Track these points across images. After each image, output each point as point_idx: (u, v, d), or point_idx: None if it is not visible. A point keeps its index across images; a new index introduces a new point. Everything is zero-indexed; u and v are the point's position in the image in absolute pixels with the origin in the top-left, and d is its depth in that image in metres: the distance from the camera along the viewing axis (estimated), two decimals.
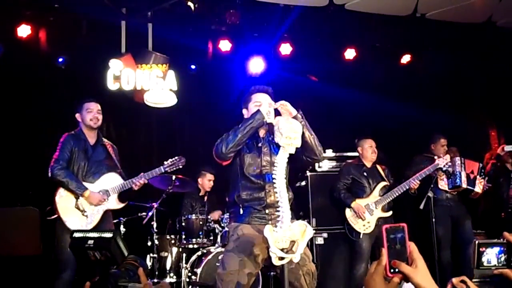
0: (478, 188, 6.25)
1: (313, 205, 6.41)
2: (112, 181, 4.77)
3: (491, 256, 2.00)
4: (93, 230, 4.35)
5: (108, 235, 1.99)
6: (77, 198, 4.61)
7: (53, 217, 4.63)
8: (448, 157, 5.90)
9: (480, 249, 2.00)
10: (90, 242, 2.00)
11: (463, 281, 1.86)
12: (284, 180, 3.10)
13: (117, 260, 1.92)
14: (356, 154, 6.36)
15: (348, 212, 5.81)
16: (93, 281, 1.81)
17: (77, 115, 4.88)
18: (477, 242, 2.04)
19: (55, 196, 4.62)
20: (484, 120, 8.25)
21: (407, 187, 5.80)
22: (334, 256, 6.30)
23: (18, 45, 6.69)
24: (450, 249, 6.31)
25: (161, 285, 1.59)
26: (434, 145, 6.48)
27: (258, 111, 3.52)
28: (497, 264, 1.98)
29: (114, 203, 4.77)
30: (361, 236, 5.75)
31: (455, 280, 1.88)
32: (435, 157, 5.91)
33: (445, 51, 7.76)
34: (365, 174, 5.95)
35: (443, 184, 6.28)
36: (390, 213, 5.87)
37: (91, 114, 4.81)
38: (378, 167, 6.10)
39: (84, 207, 4.61)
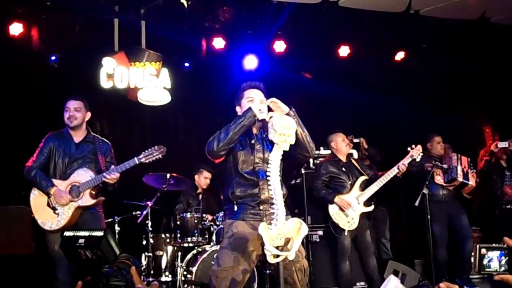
0: (472, 181, 6.30)
1: (308, 203, 6.40)
2: (83, 176, 4.65)
3: (493, 258, 2.00)
4: (65, 228, 4.32)
5: (99, 233, 1.98)
6: (48, 196, 4.60)
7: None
8: (420, 147, 5.88)
9: (481, 252, 2.00)
10: (81, 241, 1.98)
11: None
12: (279, 177, 3.09)
13: (109, 259, 1.90)
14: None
15: (332, 209, 5.77)
16: (85, 280, 1.79)
17: (64, 114, 4.84)
18: (478, 246, 2.04)
19: (29, 195, 4.67)
20: (479, 117, 8.27)
21: (388, 179, 5.77)
22: (329, 253, 6.29)
23: (10, 44, 6.64)
24: (446, 246, 6.33)
25: (152, 286, 1.57)
26: (430, 144, 6.49)
27: (250, 108, 3.50)
28: (498, 268, 1.98)
29: (86, 199, 4.62)
30: (346, 233, 5.74)
31: (442, 285, 1.87)
32: (409, 149, 5.88)
33: (439, 48, 7.76)
34: (343, 169, 5.92)
35: (439, 178, 6.30)
36: (371, 207, 5.85)
37: (68, 112, 4.76)
38: (353, 161, 6.09)
39: (54, 205, 4.58)
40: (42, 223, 4.56)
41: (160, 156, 4.68)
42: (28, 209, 4.28)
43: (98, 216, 4.79)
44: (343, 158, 6.00)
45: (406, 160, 5.80)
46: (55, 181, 4.67)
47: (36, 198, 4.65)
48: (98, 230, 1.95)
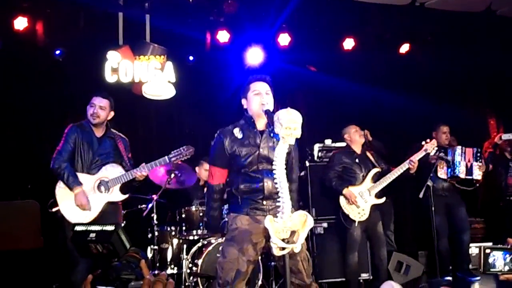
0: (477, 175, 6.25)
1: (312, 195, 6.42)
2: (112, 172, 4.71)
3: (497, 258, 2.02)
4: (94, 222, 4.38)
5: (110, 228, 2.00)
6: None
7: (54, 209, 4.60)
8: (434, 141, 5.88)
9: (486, 252, 2.02)
10: (92, 235, 2.00)
11: None
12: (284, 171, 3.10)
13: (119, 252, 1.92)
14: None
15: (342, 200, 5.80)
16: (95, 274, 1.81)
17: (87, 107, 4.84)
18: (482, 246, 2.06)
19: (55, 188, 4.63)
20: (483, 109, 8.26)
21: (400, 173, 5.78)
22: (333, 245, 6.31)
23: (15, 38, 6.66)
24: (447, 237, 6.35)
25: (159, 277, 1.58)
26: (435, 133, 6.49)
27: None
28: (503, 267, 1.99)
29: (116, 195, 4.70)
30: (356, 224, 5.75)
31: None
32: (423, 143, 5.88)
33: (444, 41, 7.74)
34: (357, 161, 5.93)
35: (442, 172, 6.30)
36: (383, 199, 5.87)
37: (92, 109, 4.77)
38: (368, 153, 6.10)
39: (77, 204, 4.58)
40: (69, 217, 4.55)
41: (188, 156, 4.78)
42: (37, 203, 4.28)
43: (117, 208, 4.85)
44: (358, 150, 6.01)
45: (419, 154, 5.78)
46: (82, 176, 4.65)
47: (63, 191, 4.62)
48: (110, 224, 1.97)
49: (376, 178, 5.87)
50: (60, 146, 4.67)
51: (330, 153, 6.59)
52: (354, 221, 5.74)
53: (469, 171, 6.23)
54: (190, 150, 4.77)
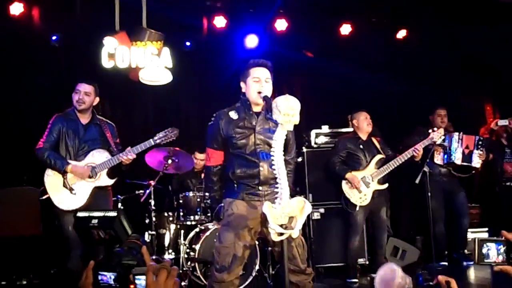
0: (476, 163, 6.28)
1: (309, 181, 6.45)
2: (99, 157, 4.74)
3: (491, 248, 2.05)
4: (84, 208, 4.45)
5: (112, 214, 2.02)
6: (64, 177, 4.64)
7: (44, 197, 4.65)
8: (442, 130, 5.91)
9: (480, 243, 2.05)
10: (94, 221, 2.02)
11: (447, 282, 1.91)
12: (282, 157, 3.11)
13: (121, 238, 1.94)
14: (350, 130, 6.39)
15: (345, 185, 5.84)
16: (97, 260, 1.83)
17: (72, 94, 4.86)
18: (477, 239, 2.10)
19: (43, 177, 4.69)
20: (480, 95, 8.27)
21: (404, 160, 5.80)
22: (330, 231, 6.37)
23: (11, 23, 6.63)
24: (443, 222, 6.40)
25: (163, 264, 1.60)
26: (432, 116, 6.52)
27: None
28: (496, 257, 2.02)
29: (103, 180, 4.74)
30: (357, 209, 5.80)
31: (441, 277, 1.93)
32: (430, 131, 5.91)
33: (441, 26, 7.73)
34: (361, 147, 5.97)
35: (438, 158, 6.33)
36: (386, 185, 5.91)
37: (77, 95, 4.79)
38: (374, 139, 6.12)
39: (71, 185, 4.64)
40: (59, 203, 4.61)
41: (174, 137, 4.80)
42: (36, 190, 4.32)
43: (107, 195, 4.89)
44: (364, 137, 6.04)
45: (425, 142, 5.79)
46: (74, 162, 4.70)
47: (51, 179, 4.69)
48: (112, 211, 1.99)
49: (380, 164, 5.91)
50: (44, 137, 4.73)
51: (326, 139, 6.63)
52: (356, 205, 5.79)
53: (467, 158, 6.26)
54: (174, 131, 4.81)
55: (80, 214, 2.08)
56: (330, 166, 5.97)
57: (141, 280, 1.65)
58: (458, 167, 6.38)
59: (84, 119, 4.87)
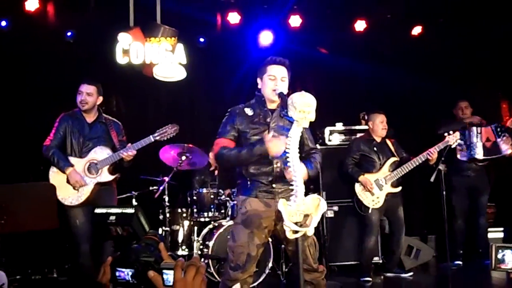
0: (506, 150, 6.18)
1: (323, 179, 6.41)
2: (101, 154, 4.86)
3: (506, 254, 2.04)
4: (85, 203, 4.70)
5: (130, 210, 2.01)
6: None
7: None
8: (457, 134, 5.82)
9: (498, 251, 2.04)
10: (112, 217, 2.02)
11: None
12: (298, 154, 3.09)
13: (139, 235, 1.94)
14: (364, 127, 6.35)
15: (358, 187, 5.83)
16: (114, 256, 1.83)
17: (76, 95, 5.00)
18: (494, 245, 2.09)
19: (49, 173, 4.85)
20: (496, 92, 8.17)
21: (418, 163, 5.75)
22: (344, 229, 6.35)
23: (26, 19, 6.67)
24: (464, 219, 6.33)
25: (192, 261, 1.59)
26: (455, 110, 6.47)
27: (262, 142, 3.43)
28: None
29: (104, 176, 4.85)
30: (370, 211, 5.77)
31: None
32: (445, 134, 5.84)
33: (456, 23, 7.65)
34: (375, 149, 5.94)
35: (462, 155, 6.27)
36: (399, 188, 5.89)
37: (80, 96, 4.93)
38: (388, 141, 6.08)
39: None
40: (62, 199, 4.75)
41: (173, 134, 4.91)
42: (53, 185, 4.43)
43: (112, 191, 5.00)
44: (378, 139, 6.01)
45: (441, 145, 5.73)
46: (72, 159, 4.85)
47: (55, 175, 4.84)
48: (130, 207, 1.99)
49: (395, 167, 5.87)
50: (51, 135, 4.90)
51: (341, 136, 6.59)
52: (368, 208, 5.77)
53: (494, 150, 6.17)
54: (174, 128, 4.91)
55: (98, 210, 2.08)
56: (343, 168, 5.96)
57: (168, 275, 1.64)
58: (483, 160, 6.30)
59: (90, 117, 5.01)
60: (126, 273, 1.78)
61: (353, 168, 5.87)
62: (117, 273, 1.80)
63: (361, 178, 5.77)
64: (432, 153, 5.69)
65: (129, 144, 4.82)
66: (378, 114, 6.03)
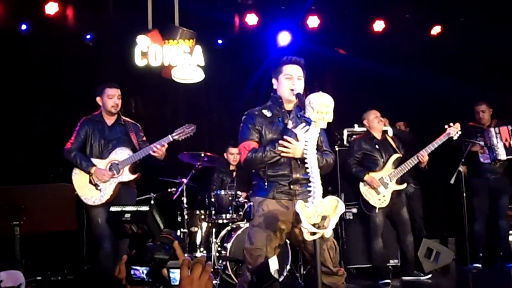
0: None
1: (341, 180, 6.37)
2: (122, 155, 4.97)
3: None
4: (108, 203, 4.77)
5: (145, 208, 2.02)
6: (90, 174, 4.91)
7: (74, 193, 4.86)
8: (458, 125, 5.74)
9: None
10: (127, 215, 2.03)
11: None
12: (316, 156, 3.08)
13: (154, 233, 1.94)
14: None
15: (362, 187, 5.76)
16: (130, 254, 1.84)
17: (98, 99, 5.11)
18: None
19: (71, 175, 4.97)
20: None
21: (419, 160, 5.70)
22: (362, 231, 6.28)
23: (46, 23, 6.76)
24: (485, 221, 6.24)
25: (198, 259, 1.59)
26: (475, 113, 6.39)
27: (293, 133, 3.44)
28: None
29: (126, 175, 4.97)
30: (376, 211, 5.71)
31: None
32: (446, 126, 5.76)
33: (477, 21, 7.55)
34: (377, 146, 5.88)
35: (484, 157, 6.19)
36: (404, 185, 5.82)
37: (112, 100, 5.04)
38: (389, 138, 6.02)
39: (96, 182, 4.90)
40: (85, 199, 4.89)
41: (191, 133, 4.98)
42: (72, 186, 4.49)
43: (133, 192, 5.12)
44: (378, 136, 5.95)
45: (442, 138, 5.69)
46: (94, 161, 4.96)
47: (78, 176, 4.96)
48: (144, 205, 2.00)
49: (397, 163, 5.81)
50: (73, 138, 5.03)
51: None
52: (375, 207, 5.70)
53: (509, 150, 6.09)
54: (192, 127, 4.98)
55: (113, 208, 2.08)
56: (346, 168, 5.91)
57: (175, 274, 1.64)
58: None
59: (110, 120, 5.12)
60: (141, 271, 1.79)
61: (357, 168, 5.82)
62: (132, 272, 1.80)
63: (366, 177, 5.70)
64: (422, 155, 5.62)
65: (150, 145, 4.91)
66: (370, 111, 6.05)
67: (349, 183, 6.26)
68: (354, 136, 6.29)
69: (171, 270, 1.65)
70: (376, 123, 5.95)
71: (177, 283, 1.61)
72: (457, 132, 5.71)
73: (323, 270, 3.53)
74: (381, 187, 5.70)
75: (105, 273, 1.67)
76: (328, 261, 3.55)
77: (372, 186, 5.67)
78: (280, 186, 3.57)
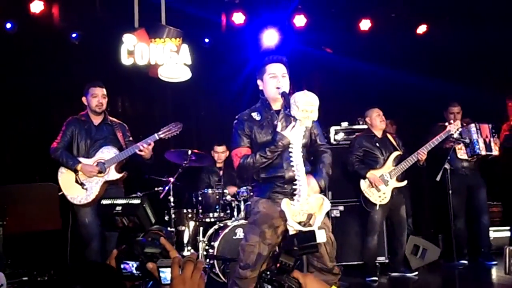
0: (495, 150, 6.21)
1: (329, 178, 6.38)
2: (108, 154, 4.97)
3: None
4: (94, 202, 4.80)
5: (136, 201, 2.03)
6: (76, 173, 4.89)
7: (59, 193, 4.86)
8: (458, 122, 5.82)
9: (510, 254, 2.02)
10: (118, 208, 2.03)
11: None
12: (301, 154, 3.09)
13: (145, 226, 1.95)
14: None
15: (364, 184, 5.79)
16: (119, 249, 1.83)
17: (83, 99, 5.13)
18: (508, 248, 2.07)
19: (57, 174, 4.95)
20: (502, 91, 8.12)
21: (419, 157, 5.75)
22: (350, 228, 6.33)
23: (31, 21, 6.70)
24: (464, 219, 6.31)
25: (189, 256, 1.58)
26: (445, 112, 6.44)
27: (283, 136, 3.42)
28: None
29: (112, 174, 4.96)
30: (377, 208, 5.75)
31: None
32: (446, 124, 5.83)
33: (462, 21, 7.61)
34: (377, 144, 5.91)
35: (462, 153, 6.24)
36: (405, 182, 5.85)
37: (96, 99, 5.04)
38: (389, 136, 6.06)
39: (82, 181, 4.88)
40: (72, 198, 4.86)
41: (177, 132, 5.00)
42: (56, 186, 4.48)
43: (119, 191, 5.09)
44: (378, 134, 5.99)
45: (443, 135, 5.73)
46: (81, 160, 4.95)
47: (64, 176, 4.94)
48: (136, 198, 2.00)
49: (398, 161, 5.85)
50: (59, 138, 5.02)
51: (346, 136, 6.57)
52: (375, 204, 5.74)
53: (488, 146, 6.17)
54: (178, 126, 5.00)
55: (104, 201, 2.09)
56: (348, 166, 5.93)
57: (165, 273, 1.61)
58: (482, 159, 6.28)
59: (97, 120, 5.12)
60: (131, 265, 1.78)
61: (359, 165, 5.85)
62: (122, 266, 1.80)
63: (368, 174, 5.73)
64: (422, 154, 5.68)
65: (136, 144, 4.90)
66: (373, 109, 6.06)
67: (338, 180, 6.28)
68: (357, 133, 6.29)
69: (161, 269, 1.62)
70: (378, 122, 5.98)
71: (168, 282, 1.58)
72: (457, 129, 5.75)
73: (318, 266, 3.57)
74: (381, 185, 5.74)
75: (102, 264, 1.66)
76: (324, 256, 3.58)
77: (373, 183, 5.71)
78: (275, 186, 3.62)
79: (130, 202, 1.96)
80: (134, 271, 1.79)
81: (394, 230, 6.02)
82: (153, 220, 1.93)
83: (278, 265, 1.77)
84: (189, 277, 1.53)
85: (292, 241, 1.80)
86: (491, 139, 6.19)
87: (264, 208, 3.61)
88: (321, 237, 2.00)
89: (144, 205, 1.92)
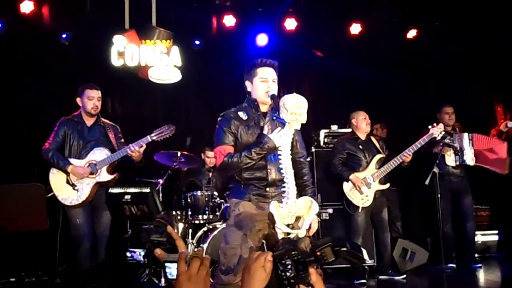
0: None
1: (318, 181, 6.41)
2: (100, 155, 4.95)
3: None
4: (85, 203, 4.79)
5: (146, 190, 2.02)
6: (67, 174, 4.87)
7: (49, 194, 4.82)
8: (441, 125, 5.83)
9: None
10: (127, 197, 2.02)
11: None
12: (290, 156, 3.10)
13: (153, 214, 1.94)
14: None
15: (346, 186, 5.79)
16: (126, 237, 1.82)
17: (78, 100, 5.09)
18: None
19: (48, 175, 4.94)
20: (491, 96, 8.20)
21: (404, 158, 5.77)
22: (339, 231, 6.32)
23: (21, 21, 6.68)
24: (451, 222, 6.34)
25: (196, 253, 1.56)
26: (439, 114, 6.46)
27: (270, 139, 3.39)
28: None
29: (103, 176, 4.92)
30: (359, 210, 5.76)
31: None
32: (429, 127, 5.84)
33: (452, 26, 7.67)
34: (360, 147, 5.92)
35: (451, 160, 6.27)
36: (387, 185, 5.86)
37: (92, 102, 5.03)
38: (373, 139, 6.08)
39: (73, 182, 4.86)
40: (63, 199, 4.85)
41: (170, 134, 4.97)
42: (43, 186, 4.44)
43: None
44: (362, 136, 5.99)
45: (426, 138, 5.74)
46: (72, 161, 4.92)
47: (55, 177, 4.93)
48: (145, 187, 2.00)
49: (381, 163, 5.86)
50: (51, 139, 5.00)
51: (336, 139, 6.58)
52: (358, 207, 5.75)
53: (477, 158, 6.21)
54: (171, 128, 4.98)
55: (112, 190, 2.08)
56: (331, 168, 5.94)
57: (171, 269, 1.59)
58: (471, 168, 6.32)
59: (90, 121, 5.10)
60: (138, 253, 1.77)
61: (342, 168, 5.85)
62: (128, 254, 1.78)
63: (351, 177, 5.74)
64: (407, 156, 5.70)
65: (128, 145, 4.88)
66: (359, 111, 6.05)
67: (327, 183, 6.30)
68: (339, 136, 6.30)
69: (167, 265, 1.60)
70: (364, 125, 5.99)
71: (174, 277, 1.56)
72: (440, 132, 5.77)
73: None
74: (364, 187, 5.74)
75: None
76: None
77: (356, 185, 5.71)
78: (255, 188, 3.57)
79: (141, 191, 1.96)
80: (142, 259, 1.78)
81: (376, 232, 6.03)
82: (160, 209, 1.93)
83: (318, 253, 1.74)
84: (195, 273, 1.51)
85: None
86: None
87: (246, 211, 3.54)
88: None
89: (153, 195, 1.92)
